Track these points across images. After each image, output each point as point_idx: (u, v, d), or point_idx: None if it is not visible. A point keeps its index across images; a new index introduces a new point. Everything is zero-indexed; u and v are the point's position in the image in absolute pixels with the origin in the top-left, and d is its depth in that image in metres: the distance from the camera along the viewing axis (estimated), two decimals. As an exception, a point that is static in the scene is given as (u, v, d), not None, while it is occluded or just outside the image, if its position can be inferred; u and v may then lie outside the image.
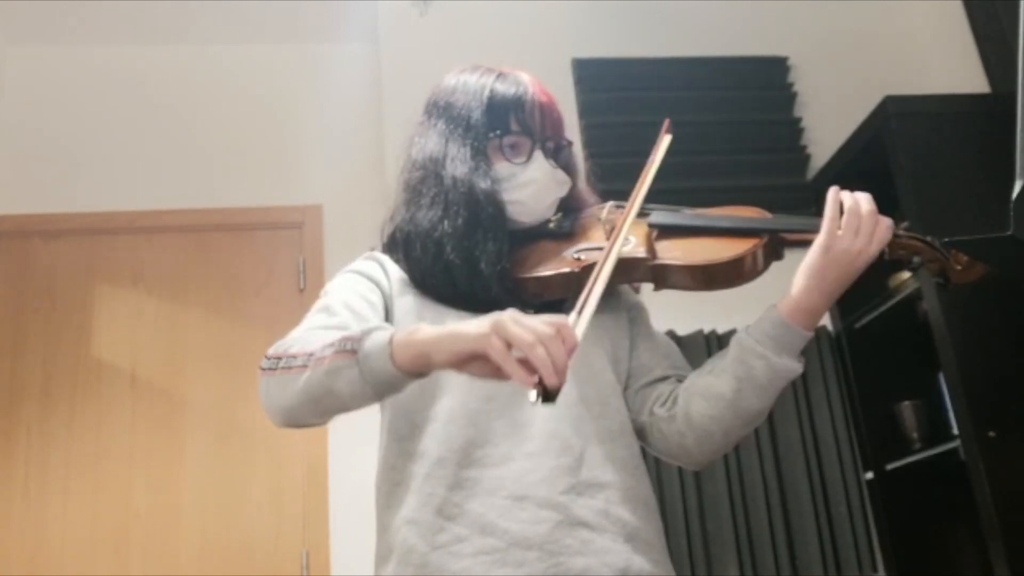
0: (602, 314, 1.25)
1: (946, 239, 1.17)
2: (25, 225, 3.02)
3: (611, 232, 1.17)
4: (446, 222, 1.20)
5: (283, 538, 2.76)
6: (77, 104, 3.21)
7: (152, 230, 3.07)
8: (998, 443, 2.23)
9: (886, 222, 1.14)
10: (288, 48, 3.36)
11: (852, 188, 1.18)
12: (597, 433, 1.15)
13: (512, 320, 0.91)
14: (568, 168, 1.31)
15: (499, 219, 1.21)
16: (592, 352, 1.21)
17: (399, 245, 1.25)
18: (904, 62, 3.28)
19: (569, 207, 1.31)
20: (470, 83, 1.29)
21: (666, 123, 1.30)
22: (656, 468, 2.51)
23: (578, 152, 1.40)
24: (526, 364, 0.88)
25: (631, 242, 1.19)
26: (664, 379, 1.27)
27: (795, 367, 1.14)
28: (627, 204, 1.20)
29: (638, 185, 1.22)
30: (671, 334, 2.58)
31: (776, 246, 1.20)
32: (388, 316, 1.20)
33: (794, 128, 3.17)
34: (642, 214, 1.22)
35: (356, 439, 2.75)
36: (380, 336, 0.98)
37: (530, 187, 1.25)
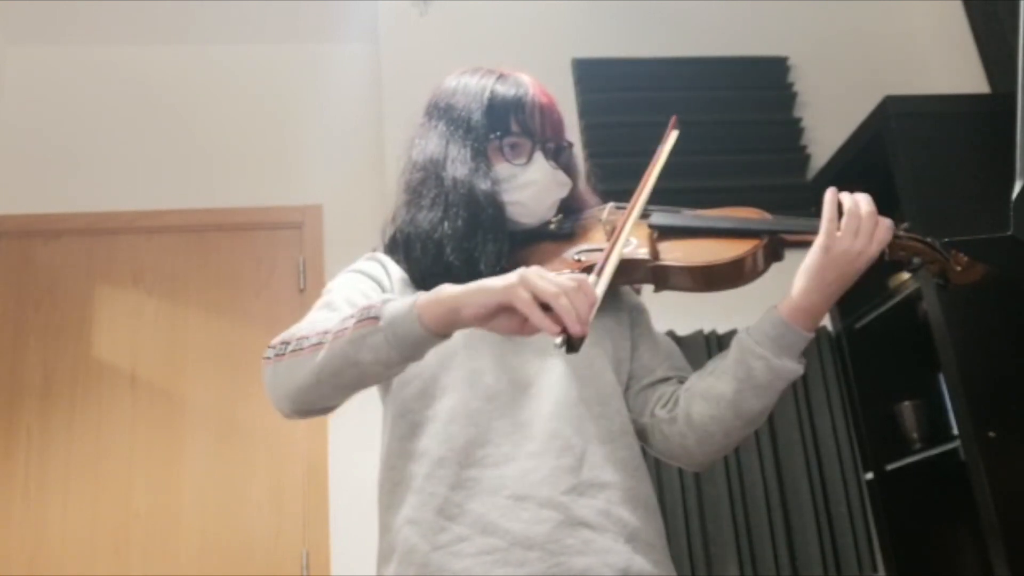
0: (603, 315, 1.25)
1: (946, 239, 1.17)
2: (25, 225, 3.02)
3: (612, 232, 1.17)
4: (446, 223, 1.20)
5: (283, 538, 2.76)
6: (77, 104, 3.21)
7: (152, 230, 3.07)
8: (998, 443, 2.23)
9: (886, 223, 1.14)
10: (288, 48, 3.36)
11: (852, 188, 1.18)
12: (598, 434, 1.15)
13: (536, 274, 0.96)
14: (568, 169, 1.31)
15: (499, 220, 1.21)
16: (593, 353, 1.21)
17: (400, 246, 1.25)
18: (904, 62, 3.28)
19: (570, 208, 1.31)
20: (470, 85, 1.30)
21: (673, 119, 1.30)
22: (656, 469, 2.51)
23: (578, 153, 1.40)
24: (551, 316, 0.93)
25: (632, 243, 1.19)
26: (665, 380, 1.27)
27: (796, 368, 1.15)
28: (630, 201, 1.20)
29: (646, 176, 1.22)
30: (671, 334, 2.58)
31: (776, 247, 1.20)
32: None
33: (794, 128, 3.17)
34: (643, 215, 1.22)
35: (356, 439, 2.77)
36: (402, 301, 1.00)
37: (530, 188, 1.25)
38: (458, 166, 1.23)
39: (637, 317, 1.33)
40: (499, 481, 1.09)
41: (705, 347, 2.73)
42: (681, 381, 1.26)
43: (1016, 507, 2.18)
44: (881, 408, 2.69)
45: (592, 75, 3.13)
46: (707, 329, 2.77)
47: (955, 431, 2.39)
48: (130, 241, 3.06)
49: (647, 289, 1.26)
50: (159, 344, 2.94)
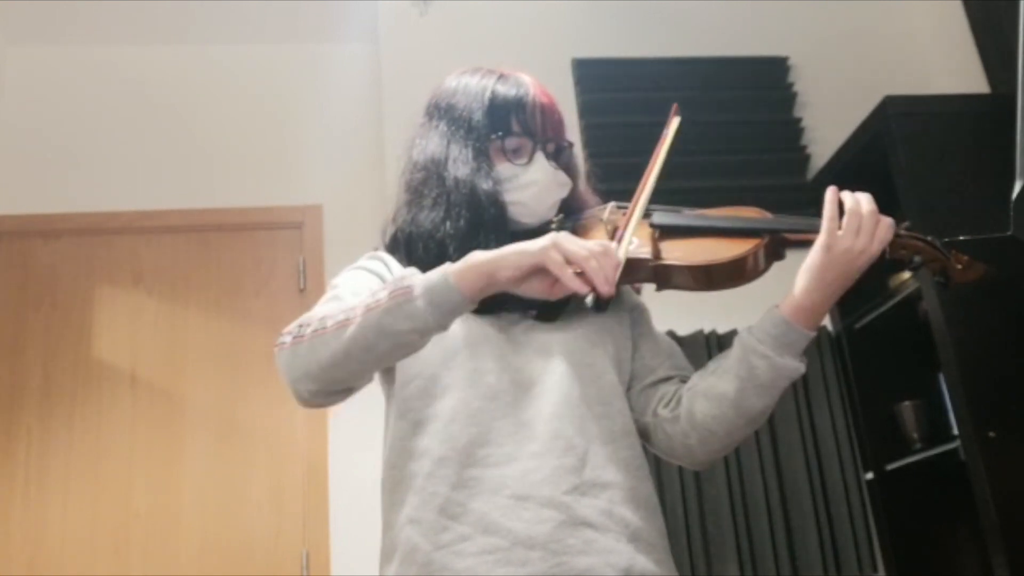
0: (604, 315, 1.26)
1: (946, 239, 1.17)
2: (25, 225, 3.02)
3: (614, 232, 1.18)
4: (448, 223, 1.21)
5: (283, 538, 2.76)
6: (77, 104, 3.21)
7: (152, 230, 3.07)
8: (998, 443, 2.23)
9: (887, 222, 1.14)
10: (288, 48, 3.36)
11: (852, 188, 1.18)
12: (600, 434, 1.15)
13: (566, 238, 1.03)
14: (569, 169, 1.31)
15: (501, 220, 1.22)
16: (595, 353, 1.21)
17: (401, 246, 1.26)
18: (904, 62, 3.28)
19: (570, 208, 1.31)
20: (471, 85, 1.30)
21: (674, 107, 1.32)
22: (656, 468, 2.51)
23: (578, 153, 1.40)
24: (581, 278, 1.01)
25: (634, 243, 1.19)
26: (667, 380, 1.27)
27: (797, 367, 1.15)
28: (632, 199, 1.20)
29: (653, 160, 1.24)
30: (671, 334, 2.57)
31: (777, 246, 1.20)
32: None
33: (794, 128, 3.17)
34: (644, 215, 1.22)
35: (356, 439, 2.77)
36: (430, 273, 1.04)
37: (532, 188, 1.26)
38: (459, 166, 1.24)
39: (638, 317, 1.33)
40: (501, 481, 1.09)
41: (705, 347, 2.73)
42: (683, 380, 1.26)
43: (1016, 507, 2.19)
44: (881, 408, 2.69)
45: (592, 75, 3.13)
46: (707, 329, 2.77)
47: (955, 431, 2.39)
48: (130, 241, 3.06)
49: (647, 289, 1.26)
50: (159, 344, 2.94)
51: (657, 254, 1.18)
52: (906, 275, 2.54)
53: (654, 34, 3.23)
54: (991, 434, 2.24)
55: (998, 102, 2.66)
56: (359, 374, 1.09)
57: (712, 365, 1.21)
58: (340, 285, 1.20)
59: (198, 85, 3.29)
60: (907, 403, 2.61)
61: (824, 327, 2.87)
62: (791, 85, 3.24)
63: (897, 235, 1.16)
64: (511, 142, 1.26)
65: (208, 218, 3.10)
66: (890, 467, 2.64)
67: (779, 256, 1.21)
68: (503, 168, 1.25)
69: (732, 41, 3.26)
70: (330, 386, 1.08)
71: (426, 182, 1.25)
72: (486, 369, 1.16)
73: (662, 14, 3.20)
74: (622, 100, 3.06)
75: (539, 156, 1.27)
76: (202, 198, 3.12)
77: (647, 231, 1.22)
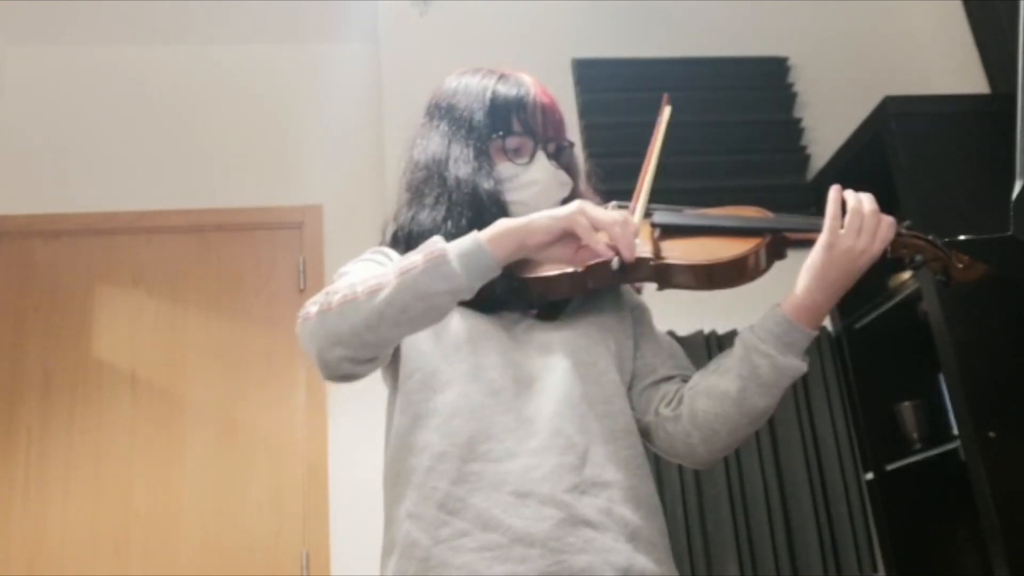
0: (606, 314, 1.26)
1: (946, 239, 1.17)
2: (25, 225, 3.02)
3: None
4: (449, 222, 1.21)
5: (283, 538, 2.76)
6: (77, 104, 3.21)
7: (152, 230, 3.07)
8: (998, 443, 2.23)
9: (888, 221, 1.14)
10: (288, 48, 3.36)
11: (852, 188, 1.18)
12: (601, 432, 1.15)
13: (590, 205, 1.08)
14: (570, 169, 1.32)
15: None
16: (596, 351, 1.21)
17: (402, 244, 1.26)
18: (904, 62, 3.28)
19: None
20: (471, 85, 1.30)
21: (664, 97, 1.32)
22: (656, 468, 2.51)
23: (578, 153, 1.41)
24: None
25: (636, 242, 1.19)
26: (669, 379, 1.27)
27: (800, 366, 1.15)
28: (634, 192, 1.20)
29: (649, 153, 1.25)
30: (671, 334, 2.55)
31: (779, 245, 1.20)
32: None
33: (794, 128, 3.17)
34: (645, 214, 1.22)
35: (357, 438, 2.78)
36: (463, 238, 1.07)
37: (533, 188, 1.26)
38: (461, 165, 1.24)
39: (639, 316, 1.33)
40: (501, 477, 1.09)
41: (705, 347, 2.73)
42: (684, 380, 1.26)
43: (1016, 507, 2.19)
44: (881, 408, 2.69)
45: (592, 75, 3.13)
46: (707, 329, 2.77)
47: (955, 431, 2.39)
48: (130, 241, 3.06)
49: (647, 289, 1.27)
50: (159, 344, 2.94)
51: (658, 253, 1.18)
52: (906, 275, 2.54)
53: (654, 34, 3.23)
54: (991, 434, 2.24)
55: (998, 102, 2.66)
56: (389, 339, 1.09)
57: (714, 364, 1.21)
58: (352, 272, 1.20)
59: (198, 85, 3.29)
60: (907, 403, 2.61)
61: (824, 327, 2.87)
62: (791, 85, 3.24)
63: (898, 234, 1.16)
64: (512, 141, 1.26)
65: (208, 218, 3.10)
66: (890, 467, 2.64)
67: (780, 255, 1.21)
68: (504, 167, 1.26)
69: (732, 41, 3.26)
70: (360, 352, 1.07)
71: (427, 181, 1.26)
72: (488, 364, 1.16)
73: (662, 14, 3.20)
74: (622, 100, 3.06)
75: (540, 156, 1.27)
76: (202, 198, 3.12)
77: (648, 230, 1.22)
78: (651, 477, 1.20)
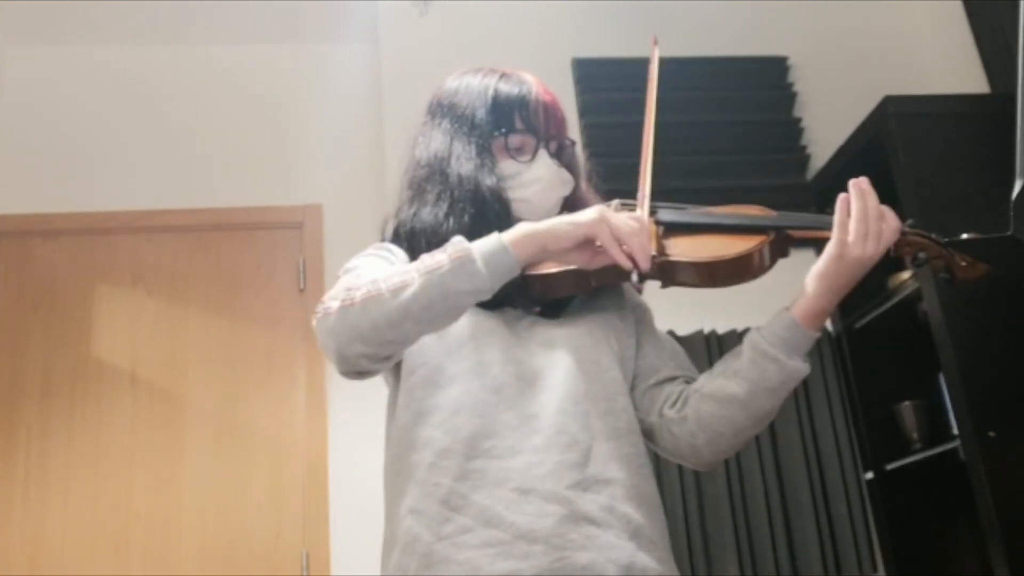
0: (608, 313, 1.26)
1: (946, 239, 1.17)
2: (25, 225, 3.02)
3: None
4: (452, 219, 1.21)
5: (283, 538, 2.76)
6: (77, 104, 3.21)
7: (152, 230, 3.07)
8: (998, 443, 2.23)
9: (893, 226, 1.14)
10: (288, 48, 3.36)
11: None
12: (604, 430, 1.15)
13: (611, 213, 1.10)
14: (571, 167, 1.32)
15: (505, 216, 1.22)
16: (599, 349, 1.22)
17: (403, 241, 1.26)
18: (904, 62, 3.28)
19: (573, 206, 1.31)
20: (473, 83, 1.30)
21: (653, 37, 1.35)
22: (656, 468, 2.51)
23: (579, 152, 1.41)
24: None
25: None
26: (672, 379, 1.28)
27: (804, 368, 1.17)
28: (639, 182, 1.22)
29: (648, 104, 1.31)
30: (671, 334, 2.56)
31: (782, 244, 1.20)
32: None
33: (794, 128, 3.17)
34: (650, 212, 1.22)
35: (357, 438, 2.78)
36: (486, 239, 1.08)
37: (535, 185, 1.26)
38: (463, 162, 1.24)
39: (641, 316, 1.33)
40: (504, 473, 1.09)
41: (705, 347, 2.73)
42: (687, 381, 1.27)
43: (1016, 507, 2.18)
44: (881, 408, 2.69)
45: (592, 75, 3.13)
46: (707, 329, 2.77)
47: (955, 431, 2.39)
48: (130, 241, 3.06)
49: (648, 288, 1.26)
50: (159, 344, 2.93)
51: (662, 250, 1.19)
52: (906, 275, 2.54)
53: (654, 34, 3.22)
54: (991, 434, 2.23)
55: (998, 102, 2.66)
56: (410, 337, 1.10)
57: (720, 367, 1.22)
58: (360, 267, 1.20)
59: (198, 85, 3.28)
60: (907, 403, 2.61)
61: (824, 327, 2.86)
62: (791, 85, 3.24)
63: (902, 232, 1.16)
64: (514, 139, 1.27)
65: (208, 218, 3.10)
66: (890, 467, 2.64)
67: (784, 254, 1.21)
68: (506, 165, 1.26)
69: (732, 41, 3.26)
70: (380, 349, 1.08)
71: (429, 179, 1.26)
72: (491, 361, 1.16)
73: (662, 14, 3.20)
74: (622, 100, 3.05)
75: (542, 153, 1.27)
76: (202, 198, 3.12)
77: (652, 228, 1.22)
78: (652, 476, 1.20)
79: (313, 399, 2.87)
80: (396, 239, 1.28)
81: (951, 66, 3.16)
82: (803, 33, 3.33)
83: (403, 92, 2.99)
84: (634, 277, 1.09)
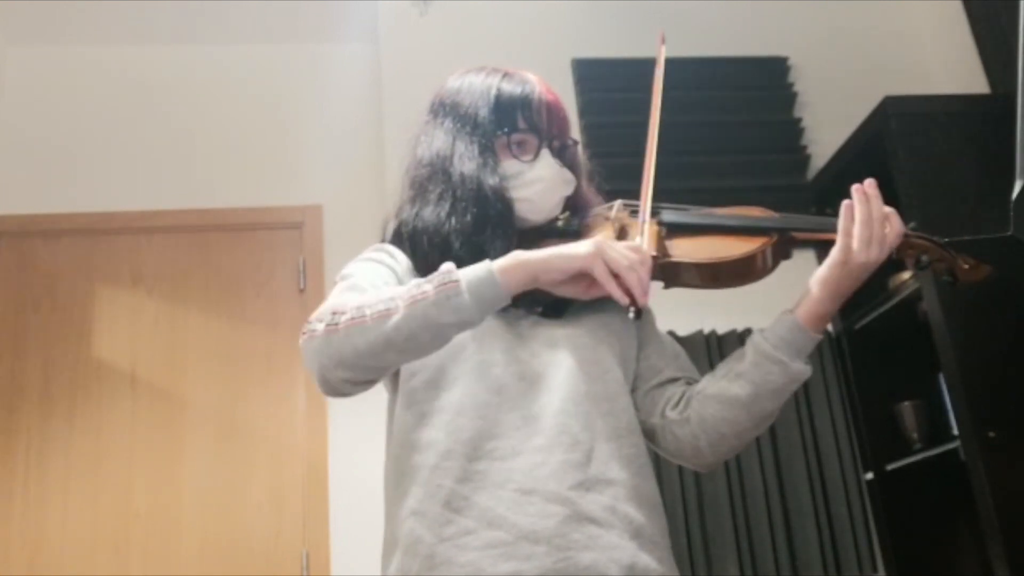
0: (610, 314, 1.26)
1: (946, 240, 1.17)
2: (25, 225, 3.02)
3: (622, 230, 1.19)
4: (454, 218, 1.21)
5: (283, 538, 2.76)
6: (77, 104, 3.21)
7: (152, 230, 3.07)
8: (998, 443, 2.23)
9: (897, 229, 1.14)
10: (288, 48, 3.36)
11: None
12: (605, 430, 1.15)
13: (608, 246, 1.08)
14: (573, 167, 1.32)
15: (507, 216, 1.22)
16: (600, 349, 1.21)
17: (404, 240, 1.26)
18: (904, 62, 3.28)
19: (574, 207, 1.31)
20: (476, 83, 1.30)
21: (660, 33, 1.35)
22: (656, 468, 2.50)
23: (582, 152, 1.41)
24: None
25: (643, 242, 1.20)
26: (674, 381, 1.28)
27: (807, 370, 1.18)
28: (642, 184, 1.22)
29: (653, 109, 1.30)
30: (671, 334, 2.56)
31: (785, 245, 1.20)
32: None
33: (794, 128, 3.17)
34: (652, 212, 1.22)
35: (357, 438, 2.78)
36: (475, 266, 1.07)
37: (538, 185, 1.26)
38: (466, 162, 1.24)
39: (643, 317, 1.33)
40: (506, 474, 1.09)
41: (705, 347, 2.73)
42: (689, 382, 1.27)
43: (1016, 507, 2.19)
44: (881, 408, 2.69)
45: (592, 75, 3.13)
46: (707, 329, 2.77)
47: (955, 431, 2.39)
48: (130, 241, 3.06)
49: (650, 288, 1.26)
50: (159, 344, 2.93)
51: (665, 252, 1.19)
52: (906, 275, 2.54)
53: (654, 34, 3.21)
54: (991, 434, 2.24)
55: (998, 102, 2.66)
56: (393, 364, 1.11)
57: (722, 369, 1.22)
58: (355, 275, 1.19)
59: (198, 85, 3.28)
60: (907, 403, 2.62)
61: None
62: (791, 85, 3.24)
63: (905, 235, 1.16)
64: (517, 139, 1.27)
65: (208, 218, 3.10)
66: (890, 467, 2.64)
67: (787, 255, 1.21)
68: (509, 164, 1.26)
69: (732, 41, 3.26)
70: (362, 375, 1.09)
71: (431, 178, 1.25)
72: (493, 362, 1.16)
73: (662, 14, 3.19)
74: (622, 100, 3.05)
75: (545, 153, 1.27)
76: (202, 198, 3.12)
77: (655, 229, 1.22)
78: (653, 476, 1.20)
79: (313, 399, 2.87)
80: (397, 239, 1.28)
81: (951, 66, 3.16)
82: (803, 33, 3.33)
83: (403, 92, 2.99)
84: (631, 313, 1.07)
